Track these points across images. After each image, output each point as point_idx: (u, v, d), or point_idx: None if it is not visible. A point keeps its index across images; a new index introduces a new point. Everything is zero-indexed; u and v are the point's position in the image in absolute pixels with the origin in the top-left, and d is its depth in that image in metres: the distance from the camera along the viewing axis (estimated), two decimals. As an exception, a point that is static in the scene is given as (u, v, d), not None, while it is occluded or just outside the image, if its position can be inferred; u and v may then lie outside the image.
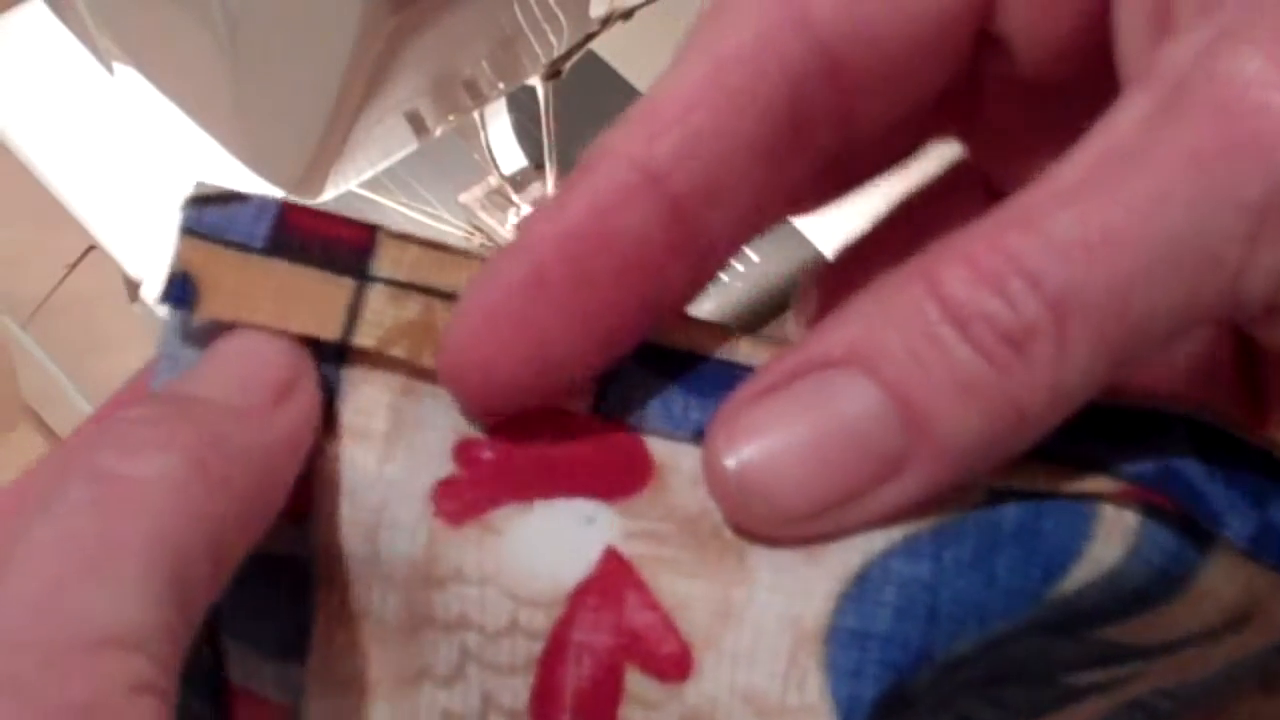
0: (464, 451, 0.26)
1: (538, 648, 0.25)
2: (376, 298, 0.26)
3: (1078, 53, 0.27)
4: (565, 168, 0.53)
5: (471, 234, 0.52)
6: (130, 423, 0.24)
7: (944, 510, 0.27)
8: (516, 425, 0.26)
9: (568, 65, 0.47)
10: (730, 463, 0.25)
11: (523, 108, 0.52)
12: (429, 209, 0.53)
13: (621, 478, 0.26)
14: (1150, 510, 0.27)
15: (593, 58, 0.54)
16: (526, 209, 0.51)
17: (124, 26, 0.43)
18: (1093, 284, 0.25)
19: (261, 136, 0.42)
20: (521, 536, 0.26)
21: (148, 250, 0.53)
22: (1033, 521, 0.27)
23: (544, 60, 0.45)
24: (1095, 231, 0.25)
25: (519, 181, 0.52)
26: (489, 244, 0.52)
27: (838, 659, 0.26)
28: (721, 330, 0.27)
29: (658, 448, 0.26)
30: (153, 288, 0.53)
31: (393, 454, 0.26)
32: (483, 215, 0.52)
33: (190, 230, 0.25)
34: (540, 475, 0.26)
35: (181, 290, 0.25)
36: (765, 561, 0.26)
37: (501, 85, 0.45)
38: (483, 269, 0.26)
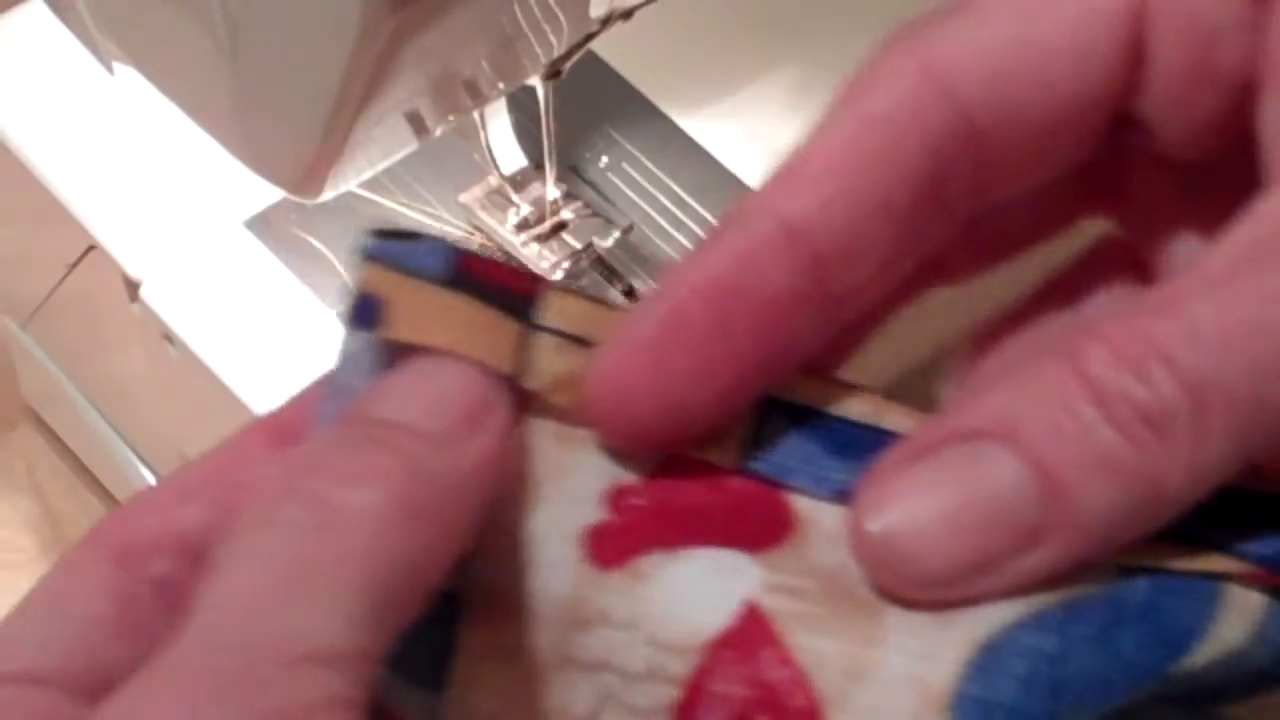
0: (616, 498, 0.27)
1: (675, 694, 0.26)
2: (542, 345, 0.26)
3: (1221, 134, 0.28)
4: (565, 168, 0.53)
5: (471, 234, 0.52)
6: (340, 449, 0.25)
7: (1073, 584, 0.27)
8: (666, 475, 0.27)
9: (568, 65, 0.47)
10: (875, 526, 0.26)
11: (523, 108, 0.52)
12: (429, 209, 0.53)
13: (765, 531, 0.27)
14: (1276, 592, 0.27)
15: (593, 58, 0.54)
16: (526, 209, 0.51)
17: (124, 26, 0.43)
18: (1232, 371, 0.25)
19: (261, 136, 0.42)
20: (667, 583, 0.26)
21: (148, 250, 0.53)
22: (1159, 599, 0.27)
23: (544, 60, 0.45)
24: (1236, 321, 0.25)
25: (519, 181, 0.52)
26: (489, 244, 0.52)
27: (965, 695, 0.27)
28: (868, 394, 0.28)
29: (800, 504, 0.27)
30: (153, 288, 0.53)
31: (546, 496, 0.26)
32: (483, 215, 0.52)
33: (374, 258, 0.27)
34: (688, 524, 0.27)
35: (368, 312, 0.26)
36: (898, 623, 0.27)
37: (501, 85, 0.45)
38: (629, 312, 0.27)
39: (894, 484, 0.26)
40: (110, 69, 0.45)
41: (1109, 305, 0.31)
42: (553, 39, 0.44)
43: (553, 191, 0.52)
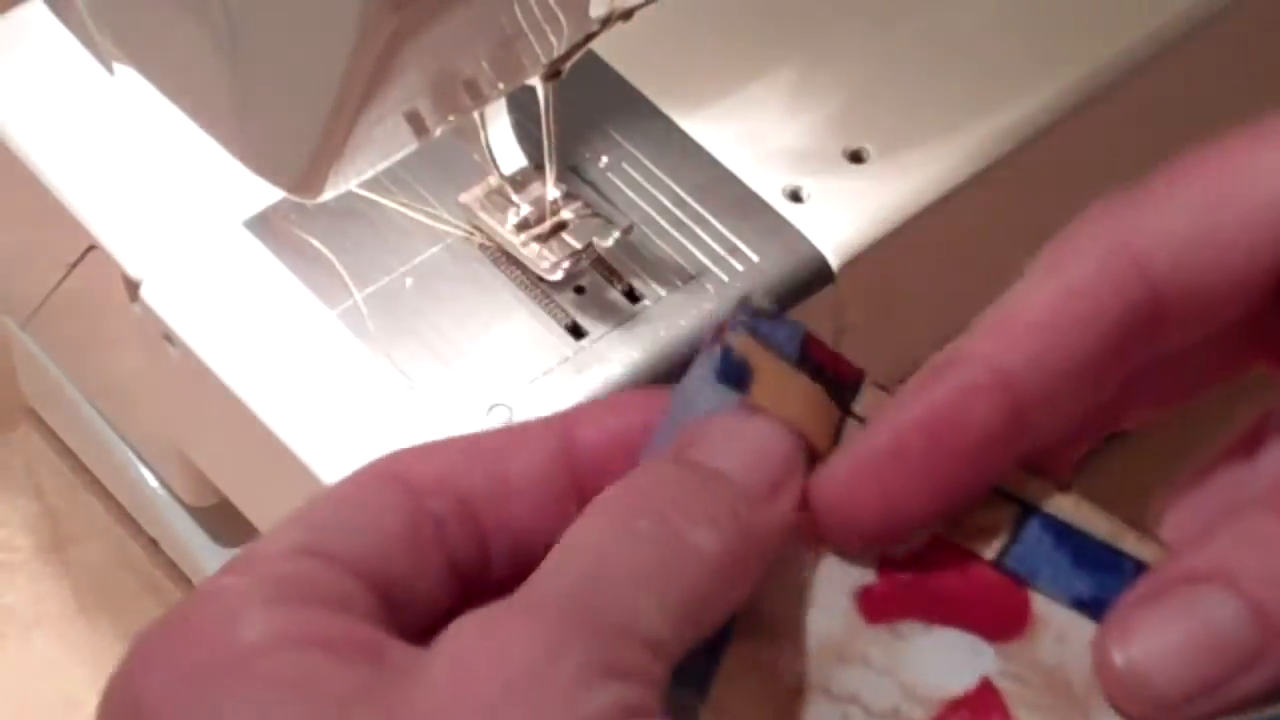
0: (887, 569, 0.32)
1: None
2: (851, 429, 0.32)
3: None
4: (565, 168, 0.53)
5: (471, 234, 0.52)
6: (683, 486, 0.30)
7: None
8: (934, 556, 0.33)
9: (568, 65, 0.47)
10: (1120, 658, 0.31)
11: (523, 108, 0.52)
12: (429, 209, 0.53)
13: (1007, 623, 0.32)
14: None
15: (593, 58, 0.54)
16: (526, 209, 0.51)
17: (124, 26, 0.43)
18: None
19: (261, 136, 0.42)
20: (920, 647, 0.32)
21: (148, 250, 0.53)
22: None
23: (544, 60, 0.45)
24: None
25: (519, 181, 0.52)
26: (489, 244, 0.52)
27: None
28: (1111, 520, 0.33)
29: (1039, 603, 0.33)
30: (153, 288, 0.53)
31: (829, 555, 0.32)
32: (483, 215, 0.52)
33: (746, 326, 0.32)
34: (944, 604, 0.32)
35: (738, 374, 0.31)
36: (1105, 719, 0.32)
37: (501, 85, 0.45)
38: (860, 434, 0.32)
39: (1135, 622, 0.31)
40: (110, 69, 0.45)
41: None
42: (553, 39, 0.44)
43: (553, 191, 0.51)
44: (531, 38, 0.43)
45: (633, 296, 0.52)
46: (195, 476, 0.61)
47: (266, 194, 0.53)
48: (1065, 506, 0.33)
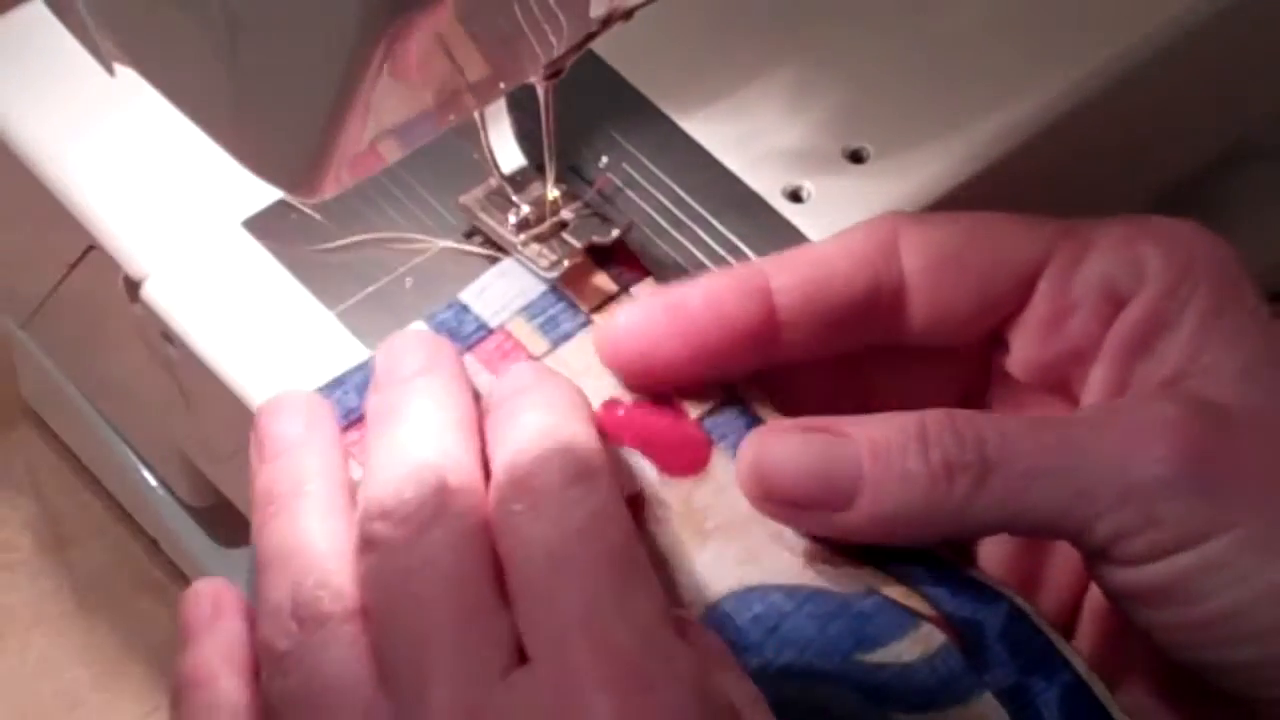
0: (609, 404, 0.46)
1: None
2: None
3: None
4: (565, 168, 0.53)
5: (471, 234, 0.52)
6: None
7: (832, 582, 0.43)
8: (654, 403, 0.46)
9: (568, 65, 0.47)
10: (750, 454, 0.44)
11: (523, 108, 0.52)
12: (429, 209, 0.53)
13: (686, 464, 0.45)
14: (952, 638, 0.41)
15: (593, 58, 0.54)
16: (526, 209, 0.51)
17: (124, 26, 0.43)
18: (1015, 462, 0.42)
19: (261, 137, 0.42)
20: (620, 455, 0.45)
21: (148, 250, 0.53)
22: (872, 613, 0.42)
23: (544, 60, 0.45)
24: (1030, 448, 0.43)
25: (519, 181, 0.52)
26: (489, 244, 0.52)
27: (722, 608, 0.43)
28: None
29: (716, 458, 0.45)
30: (153, 288, 0.53)
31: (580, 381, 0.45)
32: (483, 216, 0.52)
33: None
34: (643, 434, 0.46)
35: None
36: (724, 544, 0.44)
37: (502, 85, 0.45)
38: (650, 290, 0.49)
39: (773, 434, 0.44)
40: (110, 69, 0.45)
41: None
42: (553, 39, 0.44)
43: (553, 191, 0.51)
44: (531, 38, 0.43)
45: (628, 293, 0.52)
46: (195, 476, 0.61)
47: (266, 194, 0.53)
48: (763, 408, 0.46)
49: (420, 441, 0.43)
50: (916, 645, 0.41)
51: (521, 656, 0.39)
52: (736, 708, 0.38)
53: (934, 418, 0.42)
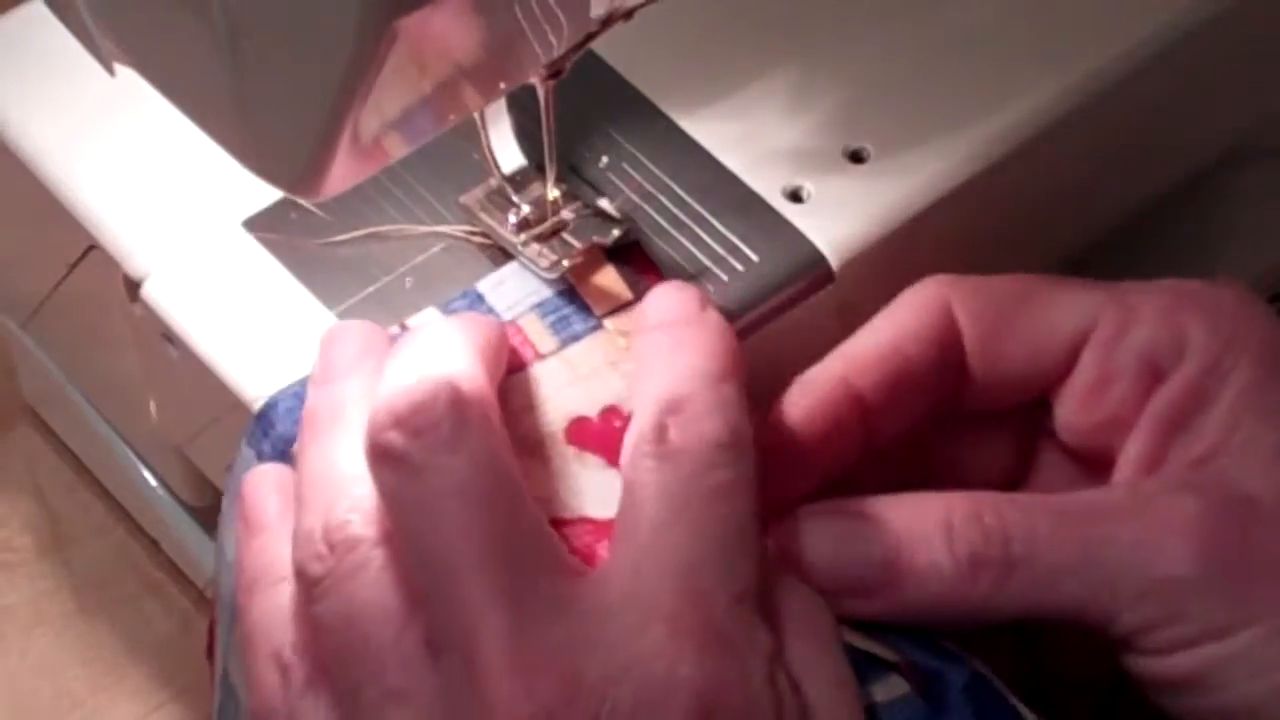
0: (607, 412, 0.48)
1: None
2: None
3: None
4: (565, 168, 0.53)
5: (471, 234, 0.52)
6: None
7: None
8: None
9: (568, 65, 0.47)
10: (784, 537, 0.45)
11: (523, 108, 0.52)
12: (429, 209, 0.53)
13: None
14: (914, 686, 0.42)
15: (593, 58, 0.54)
16: (526, 209, 0.51)
17: (124, 26, 0.43)
18: (1037, 559, 0.43)
19: (261, 137, 0.42)
20: (586, 473, 0.47)
21: (148, 250, 0.53)
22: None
23: (544, 60, 0.45)
24: (1058, 540, 0.44)
25: (519, 181, 0.52)
26: (488, 244, 0.52)
27: None
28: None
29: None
30: (153, 288, 0.53)
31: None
32: (483, 216, 0.52)
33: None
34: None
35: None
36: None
37: (502, 85, 0.45)
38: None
39: (805, 522, 0.45)
40: (110, 69, 0.45)
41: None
42: (553, 39, 0.44)
43: (553, 191, 0.51)
44: (531, 38, 0.43)
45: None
46: (195, 476, 0.61)
47: (266, 193, 0.53)
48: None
49: (434, 362, 0.44)
50: (884, 691, 0.42)
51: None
52: (802, 686, 0.40)
53: (960, 508, 0.43)
